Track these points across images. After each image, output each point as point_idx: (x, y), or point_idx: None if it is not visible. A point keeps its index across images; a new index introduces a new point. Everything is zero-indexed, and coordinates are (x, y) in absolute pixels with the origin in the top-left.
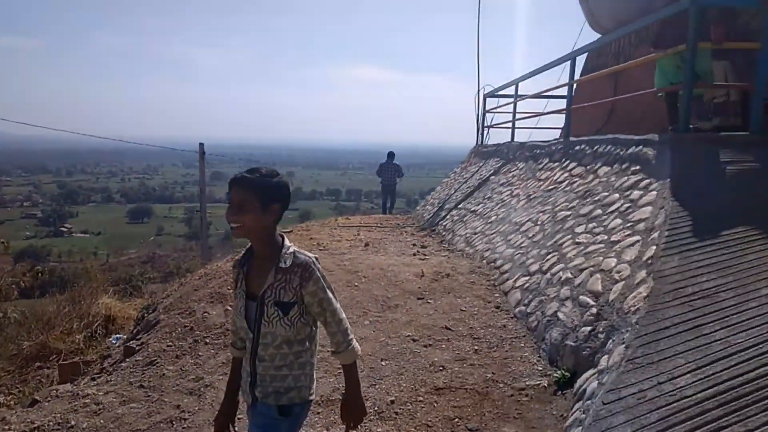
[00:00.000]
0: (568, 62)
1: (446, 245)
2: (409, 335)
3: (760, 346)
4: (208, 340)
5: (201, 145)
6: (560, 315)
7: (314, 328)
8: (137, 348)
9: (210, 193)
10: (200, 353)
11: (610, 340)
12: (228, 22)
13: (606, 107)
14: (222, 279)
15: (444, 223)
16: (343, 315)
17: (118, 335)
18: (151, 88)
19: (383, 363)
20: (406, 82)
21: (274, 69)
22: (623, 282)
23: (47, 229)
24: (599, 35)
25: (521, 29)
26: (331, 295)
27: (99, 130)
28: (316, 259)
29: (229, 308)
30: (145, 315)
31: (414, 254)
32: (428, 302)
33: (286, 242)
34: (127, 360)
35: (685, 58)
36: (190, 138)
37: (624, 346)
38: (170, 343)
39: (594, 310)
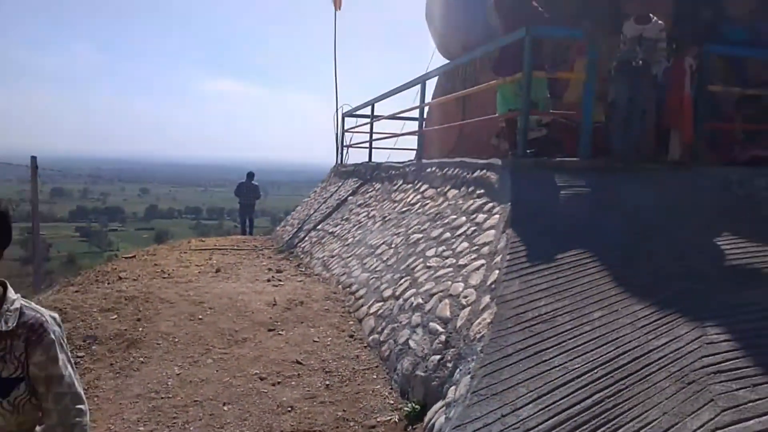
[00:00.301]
0: (419, 85)
1: (303, 269)
2: (256, 373)
3: (595, 371)
4: None
5: (33, 158)
6: (411, 343)
7: None
8: None
9: (50, 212)
10: None
11: (458, 370)
12: (71, 25)
13: (455, 130)
14: None
15: (302, 245)
16: (84, 405)
17: None
18: None
19: (225, 408)
20: (267, 97)
21: (126, 76)
22: (470, 307)
23: None
24: (447, 61)
25: (379, 49)
26: (70, 371)
27: None
28: (54, 318)
29: None
30: None
31: (268, 280)
32: (279, 334)
33: (10, 293)
34: None
35: (522, 86)
36: (28, 150)
37: (470, 376)
38: None
39: (443, 338)
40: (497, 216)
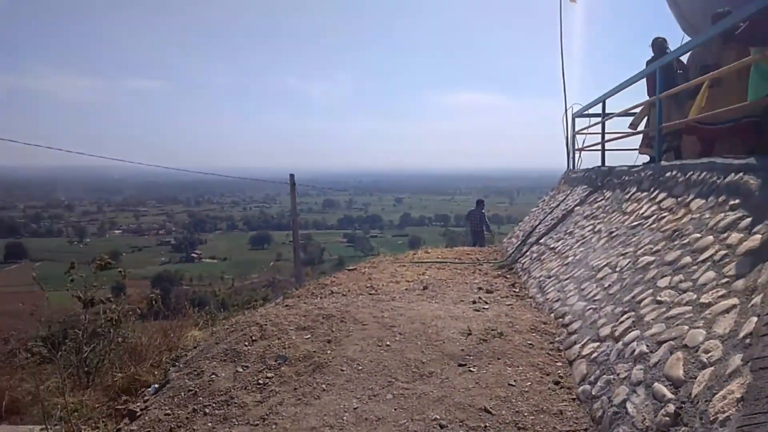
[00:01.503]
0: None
1: (517, 290)
2: (436, 419)
3: None
4: (208, 410)
5: (291, 176)
6: (629, 407)
7: None
8: (139, 413)
9: (323, 221)
10: (195, 427)
11: None
12: (333, 57)
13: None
14: (243, 332)
15: (522, 261)
16: None
17: (156, 384)
18: (264, 121)
19: None
20: (508, 105)
21: (377, 99)
22: (711, 368)
23: (179, 254)
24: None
25: (617, 42)
26: None
27: (219, 162)
28: None
29: (241, 369)
30: (170, 368)
31: (474, 302)
32: (470, 370)
33: None
34: (126, 427)
35: None
36: (303, 167)
37: None
38: (168, 411)
39: (671, 407)
40: (758, 237)
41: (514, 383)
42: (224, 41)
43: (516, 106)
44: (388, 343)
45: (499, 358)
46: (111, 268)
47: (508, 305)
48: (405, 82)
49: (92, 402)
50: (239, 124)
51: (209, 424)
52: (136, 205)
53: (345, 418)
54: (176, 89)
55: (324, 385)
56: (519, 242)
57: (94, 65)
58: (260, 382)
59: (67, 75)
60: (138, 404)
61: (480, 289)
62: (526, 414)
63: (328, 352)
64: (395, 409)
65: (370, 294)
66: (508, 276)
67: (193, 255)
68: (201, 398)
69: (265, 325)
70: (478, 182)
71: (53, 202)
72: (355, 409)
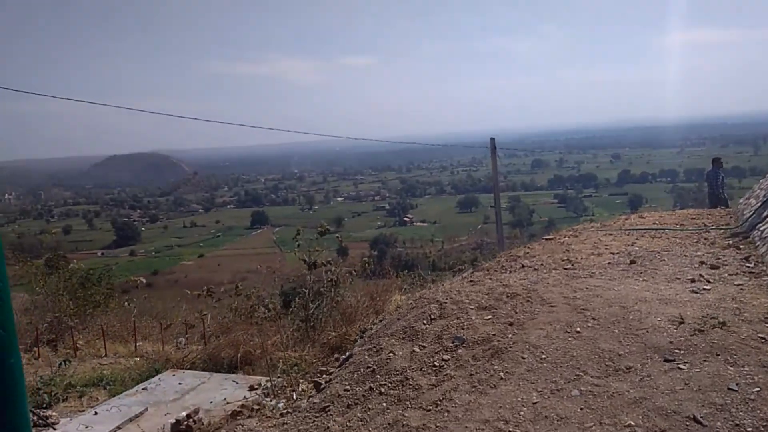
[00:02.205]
0: None
1: (752, 265)
2: (630, 424)
3: None
4: (383, 389)
5: (492, 139)
6: None
7: None
8: (323, 385)
9: (531, 182)
10: (371, 406)
11: None
12: (538, 9)
13: None
14: (422, 310)
15: (763, 228)
16: None
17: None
18: (472, 84)
19: None
20: (747, 40)
21: (589, 48)
22: None
23: (393, 219)
24: None
25: None
26: None
27: (426, 130)
28: None
29: (417, 349)
30: (361, 336)
31: (692, 280)
32: (679, 368)
33: None
34: (310, 398)
35: None
36: (509, 130)
37: None
38: (348, 387)
39: None
40: None
41: (736, 387)
42: (430, 8)
43: (758, 40)
44: (578, 329)
45: (718, 354)
46: (331, 234)
47: (738, 285)
48: (618, 25)
49: (311, 357)
50: (446, 91)
51: (384, 404)
52: (354, 174)
53: (522, 413)
54: (386, 62)
55: (502, 373)
56: (759, 204)
57: (314, 48)
58: (436, 364)
59: (293, 59)
60: (323, 377)
61: (702, 263)
62: (749, 429)
63: (509, 336)
64: (581, 409)
65: (566, 269)
66: (741, 247)
67: (405, 219)
68: (378, 376)
69: (445, 302)
70: (714, 131)
71: (287, 174)
72: (534, 403)
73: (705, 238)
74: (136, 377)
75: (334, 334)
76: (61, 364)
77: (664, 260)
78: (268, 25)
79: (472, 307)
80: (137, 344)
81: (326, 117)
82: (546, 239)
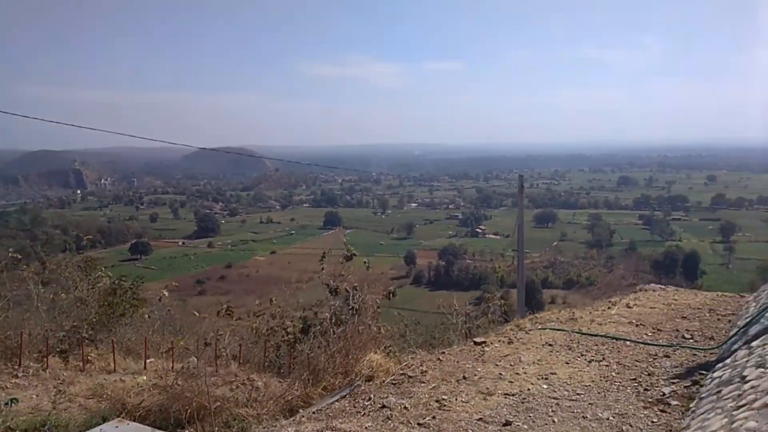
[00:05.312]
0: None
1: None
2: None
3: None
4: None
5: (520, 177)
6: None
7: None
8: None
9: (616, 200)
10: None
11: None
12: (639, 17)
13: None
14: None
15: (716, 376)
16: None
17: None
18: (560, 94)
19: None
20: None
21: (690, 61)
22: None
23: (465, 229)
24: None
25: None
26: None
27: (509, 138)
28: None
29: None
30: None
31: None
32: None
33: None
34: None
35: None
36: (598, 142)
37: None
38: None
39: None
40: None
41: None
42: (519, 14)
43: None
44: None
45: None
46: (402, 240)
47: None
48: (720, 38)
49: (267, 414)
50: (532, 99)
51: None
52: (430, 180)
53: None
54: (471, 68)
55: None
56: (748, 317)
57: (399, 52)
58: None
59: (377, 62)
60: None
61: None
62: None
63: None
64: None
65: (419, 424)
66: (671, 404)
67: (478, 230)
68: None
69: None
70: None
71: (364, 176)
72: None
73: (656, 367)
74: (81, 424)
75: (297, 393)
76: (8, 403)
77: (553, 422)
78: (353, 29)
79: None
80: (147, 361)
81: (407, 120)
82: (460, 349)
